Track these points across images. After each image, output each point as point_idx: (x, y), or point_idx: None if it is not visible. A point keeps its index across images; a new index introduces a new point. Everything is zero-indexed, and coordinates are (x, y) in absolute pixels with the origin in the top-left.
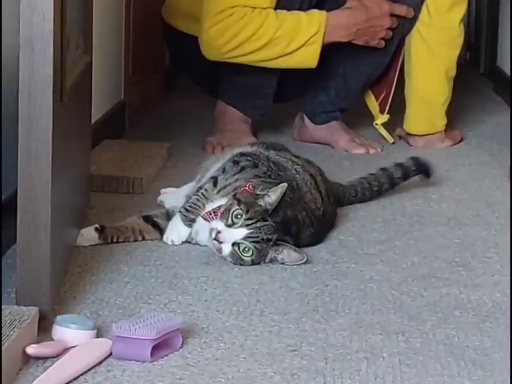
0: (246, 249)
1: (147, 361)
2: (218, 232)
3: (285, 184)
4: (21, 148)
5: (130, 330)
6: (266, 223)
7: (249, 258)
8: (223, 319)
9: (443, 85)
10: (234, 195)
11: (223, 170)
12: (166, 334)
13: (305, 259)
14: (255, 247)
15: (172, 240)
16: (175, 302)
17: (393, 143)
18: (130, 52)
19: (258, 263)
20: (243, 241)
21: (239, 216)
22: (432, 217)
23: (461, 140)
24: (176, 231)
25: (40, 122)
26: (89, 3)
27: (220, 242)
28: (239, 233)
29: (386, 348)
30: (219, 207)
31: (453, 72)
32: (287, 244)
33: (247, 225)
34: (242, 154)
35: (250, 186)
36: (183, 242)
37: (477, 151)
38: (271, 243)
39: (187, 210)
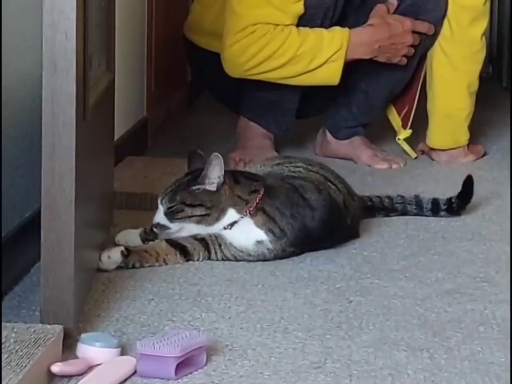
0: None
1: (171, 379)
2: None
3: None
4: (44, 166)
5: (154, 348)
6: None
7: None
8: (247, 336)
9: (465, 100)
10: None
11: None
12: (190, 351)
13: None
14: None
15: None
16: (199, 319)
17: (416, 158)
18: (152, 69)
19: None
20: None
21: None
22: (456, 232)
23: (484, 154)
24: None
25: (63, 140)
26: (112, 21)
27: None
28: None
29: (411, 364)
30: None
31: (475, 86)
32: None
33: None
34: None
35: None
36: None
37: (500, 165)
38: None
39: None
